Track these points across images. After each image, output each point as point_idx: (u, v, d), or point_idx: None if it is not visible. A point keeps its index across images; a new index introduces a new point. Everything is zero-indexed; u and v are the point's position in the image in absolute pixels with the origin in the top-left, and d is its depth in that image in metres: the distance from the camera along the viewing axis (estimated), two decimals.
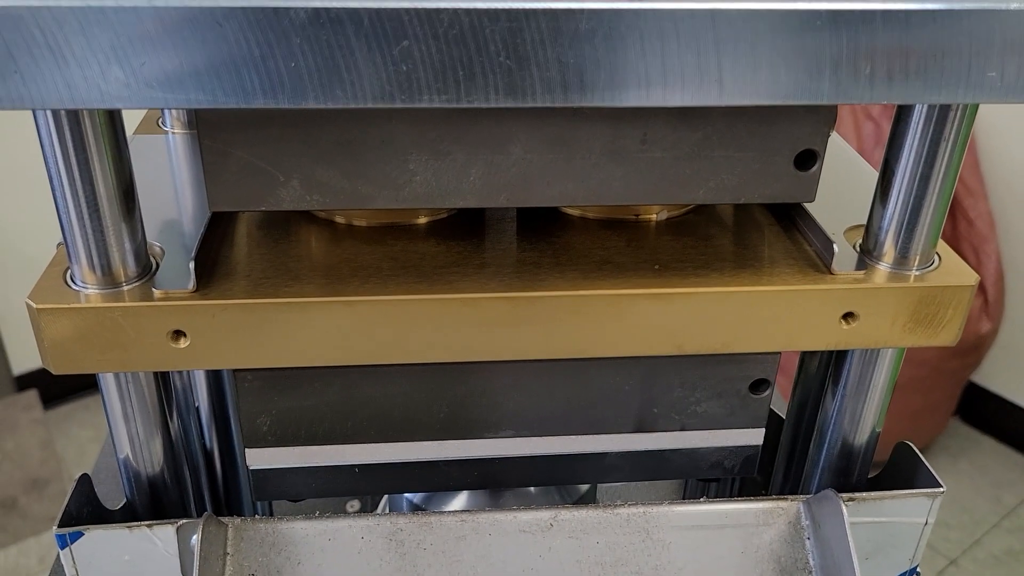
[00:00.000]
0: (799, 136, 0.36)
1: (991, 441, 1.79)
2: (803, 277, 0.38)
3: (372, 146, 0.34)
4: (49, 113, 0.31)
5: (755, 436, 0.46)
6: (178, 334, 0.36)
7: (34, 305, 0.35)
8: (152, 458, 0.41)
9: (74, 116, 0.32)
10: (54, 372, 0.36)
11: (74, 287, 0.36)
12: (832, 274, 0.38)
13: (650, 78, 0.29)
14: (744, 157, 0.36)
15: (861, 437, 0.43)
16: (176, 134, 0.50)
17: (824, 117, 0.36)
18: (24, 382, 1.79)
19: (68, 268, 0.36)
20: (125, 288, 0.36)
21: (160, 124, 0.51)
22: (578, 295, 0.37)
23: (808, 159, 0.36)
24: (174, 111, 0.51)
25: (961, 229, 1.55)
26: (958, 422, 1.82)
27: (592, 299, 0.37)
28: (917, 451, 0.43)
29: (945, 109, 0.34)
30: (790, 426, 0.50)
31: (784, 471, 0.51)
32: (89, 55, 0.27)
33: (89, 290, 0.35)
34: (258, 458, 0.44)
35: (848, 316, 0.38)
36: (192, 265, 0.36)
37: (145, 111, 0.54)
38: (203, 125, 0.34)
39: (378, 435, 0.44)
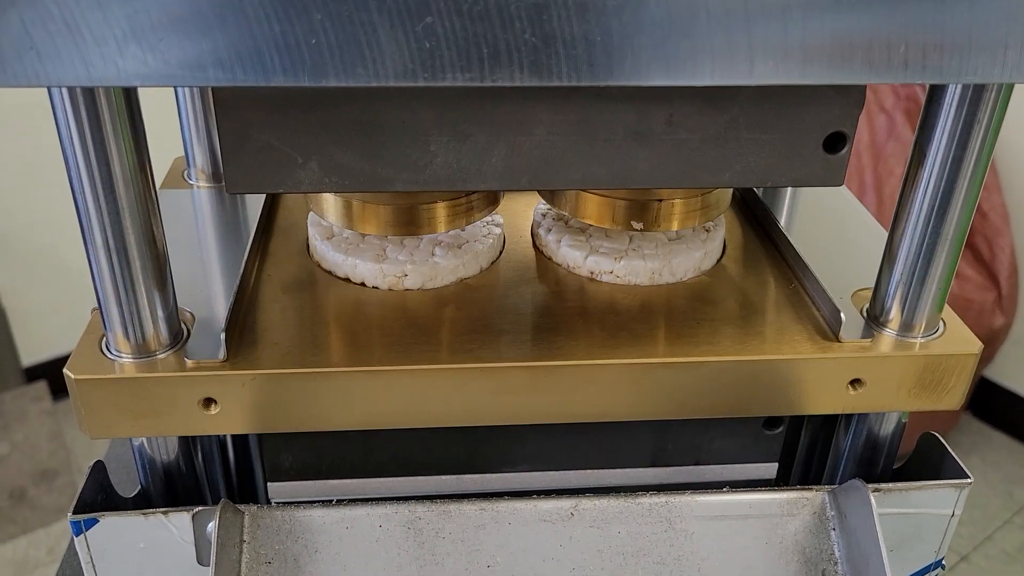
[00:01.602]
0: (828, 118, 0.35)
1: (1003, 437, 1.77)
2: (812, 345, 0.39)
3: (392, 127, 0.34)
4: (81, 166, 0.32)
5: (768, 470, 0.46)
6: (209, 401, 0.37)
7: (72, 376, 0.36)
8: (167, 445, 0.40)
9: (107, 170, 0.32)
10: (91, 437, 0.38)
11: (109, 356, 0.37)
12: (839, 342, 0.39)
13: (678, 56, 0.29)
14: (772, 139, 0.35)
15: (887, 427, 0.42)
16: (202, 188, 0.51)
17: (854, 98, 0.35)
18: (33, 373, 1.79)
19: (103, 335, 0.37)
20: (158, 357, 0.37)
21: (185, 177, 0.52)
22: (593, 364, 0.38)
23: (837, 142, 0.36)
24: (199, 162, 0.52)
25: (975, 222, 1.54)
26: (970, 417, 1.80)
27: (607, 368, 0.38)
28: (943, 441, 0.42)
29: (979, 91, 0.33)
30: (812, 417, 0.49)
31: (805, 463, 0.50)
32: (106, 31, 0.27)
33: (124, 359, 0.37)
34: (280, 492, 0.44)
35: (855, 383, 0.39)
36: (223, 336, 0.37)
37: (170, 163, 0.55)
38: (221, 105, 0.33)
39: (398, 470, 0.44)
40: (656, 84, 0.29)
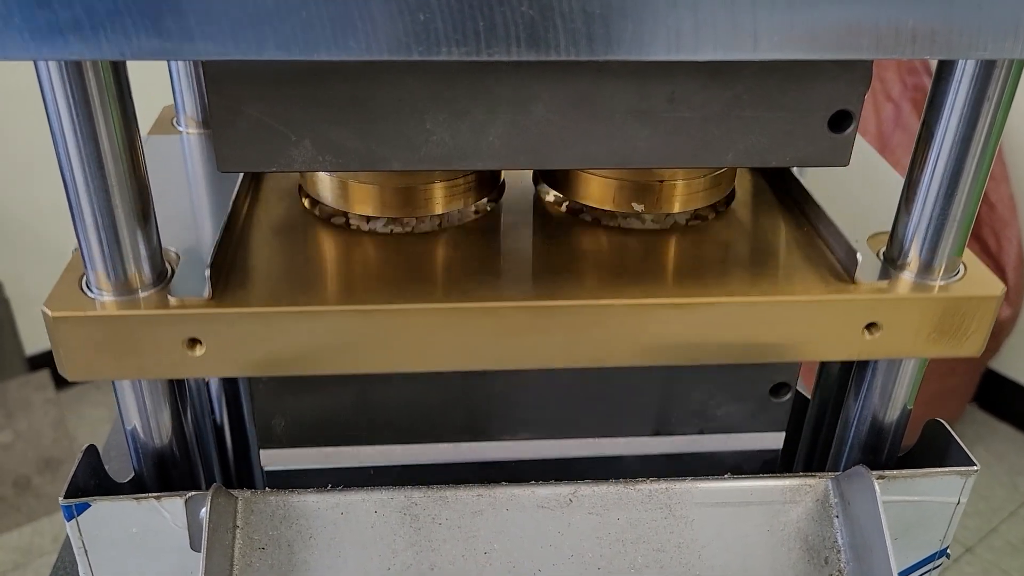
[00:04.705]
0: (834, 96, 0.34)
1: (1008, 428, 1.77)
2: (825, 287, 0.38)
3: (387, 104, 0.33)
4: (61, 102, 0.31)
5: (775, 440, 0.45)
6: (194, 342, 0.35)
7: (50, 313, 0.34)
8: (160, 430, 0.40)
9: (86, 109, 0.31)
10: (70, 379, 0.36)
11: (89, 294, 0.35)
12: (855, 284, 0.38)
13: (681, 30, 0.28)
14: (776, 118, 0.34)
15: (892, 414, 0.42)
16: (191, 134, 0.50)
17: (860, 76, 0.34)
18: (37, 362, 1.79)
19: (83, 274, 0.36)
20: (141, 295, 0.35)
21: (174, 124, 0.51)
22: (597, 304, 0.36)
23: (843, 120, 0.35)
24: (188, 109, 0.50)
25: (982, 213, 1.53)
26: (975, 409, 1.80)
27: (612, 308, 0.36)
28: (949, 428, 0.42)
29: (989, 67, 0.32)
30: (815, 404, 0.48)
31: (808, 451, 0.50)
32: (93, 2, 0.26)
33: (104, 297, 0.35)
34: (272, 459, 0.43)
35: (871, 326, 0.38)
36: (208, 272, 0.35)
37: (160, 110, 0.53)
38: (211, 81, 0.32)
39: (393, 437, 0.43)
40: (657, 59, 0.28)
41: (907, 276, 0.38)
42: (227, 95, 0.33)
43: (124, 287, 0.35)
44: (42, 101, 0.31)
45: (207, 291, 0.35)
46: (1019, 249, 1.54)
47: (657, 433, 0.44)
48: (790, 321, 0.37)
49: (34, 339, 1.78)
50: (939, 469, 0.40)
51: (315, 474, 0.44)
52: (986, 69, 0.33)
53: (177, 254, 0.38)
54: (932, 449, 0.43)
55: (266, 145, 0.34)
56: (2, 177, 1.64)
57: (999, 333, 1.60)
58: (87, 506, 0.37)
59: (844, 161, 0.36)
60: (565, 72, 0.33)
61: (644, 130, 0.34)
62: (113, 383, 0.39)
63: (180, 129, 0.50)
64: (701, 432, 0.44)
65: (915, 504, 0.40)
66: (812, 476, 0.40)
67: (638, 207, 0.41)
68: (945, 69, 0.34)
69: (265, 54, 0.27)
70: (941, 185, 0.35)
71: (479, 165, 0.35)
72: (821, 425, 0.48)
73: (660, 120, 0.34)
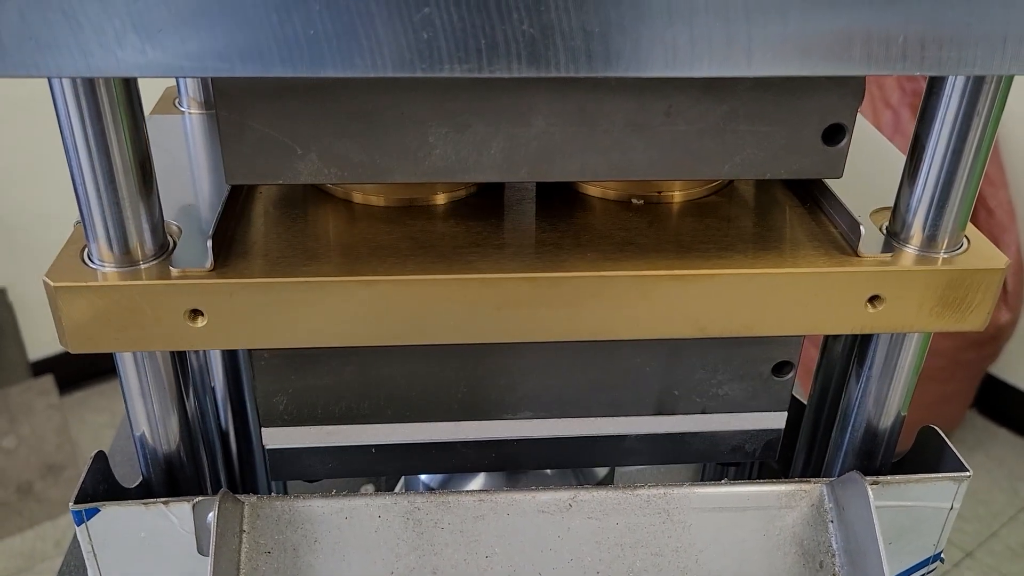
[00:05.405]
0: (827, 110, 0.35)
1: (1008, 433, 1.77)
2: (828, 259, 0.38)
3: (391, 118, 0.34)
4: (66, 83, 0.31)
5: (777, 420, 0.45)
6: (195, 313, 0.36)
7: (51, 283, 0.34)
8: (168, 436, 0.40)
9: (90, 86, 0.31)
10: (71, 351, 0.36)
11: (91, 265, 0.35)
12: (858, 256, 0.38)
13: (677, 47, 0.29)
14: (770, 131, 0.35)
15: (886, 420, 0.42)
16: (193, 114, 0.50)
17: (853, 90, 0.35)
18: (40, 367, 1.80)
19: (85, 246, 0.36)
20: (142, 266, 0.35)
21: (177, 104, 0.51)
22: (600, 276, 0.36)
23: (836, 133, 0.36)
24: (190, 91, 0.51)
25: (980, 218, 1.54)
26: (975, 414, 1.80)
27: (614, 280, 0.37)
28: (943, 434, 0.42)
29: (979, 82, 0.33)
30: (811, 411, 0.49)
31: (805, 457, 0.50)
32: (104, 21, 0.27)
33: (106, 268, 0.35)
34: (274, 437, 0.43)
35: (874, 299, 0.38)
36: (209, 243, 0.35)
37: (162, 91, 0.53)
38: (220, 96, 0.33)
39: (395, 415, 0.43)
40: (654, 75, 0.29)
41: (910, 249, 0.38)
42: (235, 110, 0.33)
43: (126, 258, 0.35)
44: (47, 81, 0.31)
45: (209, 261, 0.35)
46: (1018, 254, 1.54)
47: (659, 412, 0.44)
48: (793, 293, 0.37)
49: (37, 344, 1.79)
50: (932, 475, 0.41)
51: (316, 452, 0.44)
52: (975, 84, 0.33)
53: (179, 227, 0.38)
54: (926, 455, 0.43)
55: (273, 158, 0.34)
56: (5, 182, 1.65)
57: (999, 338, 1.61)
58: (96, 511, 0.38)
59: (838, 173, 0.37)
60: (564, 86, 0.34)
61: (641, 143, 0.35)
62: (121, 386, 0.39)
63: (182, 109, 0.50)
64: (704, 411, 0.44)
65: (908, 509, 0.41)
66: (807, 481, 0.40)
67: (638, 202, 0.41)
68: (936, 85, 0.34)
69: (272, 71, 0.28)
70: (944, 158, 0.36)
71: (480, 177, 0.36)
72: (817, 430, 0.49)
73: (657, 133, 0.35)
